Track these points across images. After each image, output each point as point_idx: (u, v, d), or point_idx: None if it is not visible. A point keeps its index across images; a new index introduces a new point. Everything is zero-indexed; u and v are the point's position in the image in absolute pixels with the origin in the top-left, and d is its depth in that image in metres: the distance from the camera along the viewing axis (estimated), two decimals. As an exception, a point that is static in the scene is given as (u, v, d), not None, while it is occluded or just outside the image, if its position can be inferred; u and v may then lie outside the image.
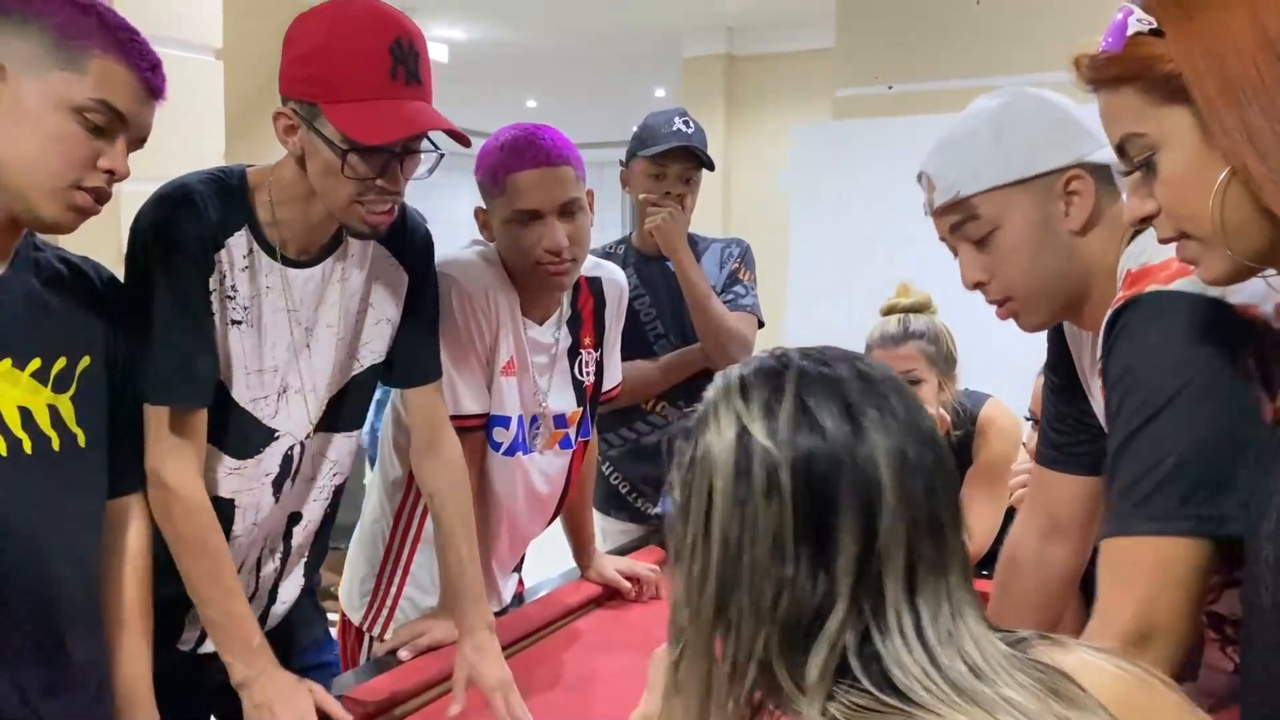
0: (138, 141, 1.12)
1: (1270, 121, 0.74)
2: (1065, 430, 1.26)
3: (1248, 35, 0.75)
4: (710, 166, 2.15)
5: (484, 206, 1.60)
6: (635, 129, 2.17)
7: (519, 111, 8.28)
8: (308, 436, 1.38)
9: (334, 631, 1.71)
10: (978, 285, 1.16)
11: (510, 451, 1.64)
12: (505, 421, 1.63)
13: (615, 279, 1.80)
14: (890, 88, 3.72)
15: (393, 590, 1.69)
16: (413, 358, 1.46)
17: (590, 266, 1.75)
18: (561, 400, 1.70)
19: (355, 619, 1.70)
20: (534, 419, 1.67)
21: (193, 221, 1.23)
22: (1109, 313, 1.00)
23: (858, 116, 3.74)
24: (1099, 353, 1.03)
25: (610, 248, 2.25)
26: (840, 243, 3.67)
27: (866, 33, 3.80)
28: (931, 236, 1.20)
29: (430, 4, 5.47)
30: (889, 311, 1.91)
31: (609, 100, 8.08)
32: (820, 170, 3.83)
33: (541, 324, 1.65)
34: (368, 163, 1.21)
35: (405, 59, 1.21)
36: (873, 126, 3.56)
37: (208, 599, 1.26)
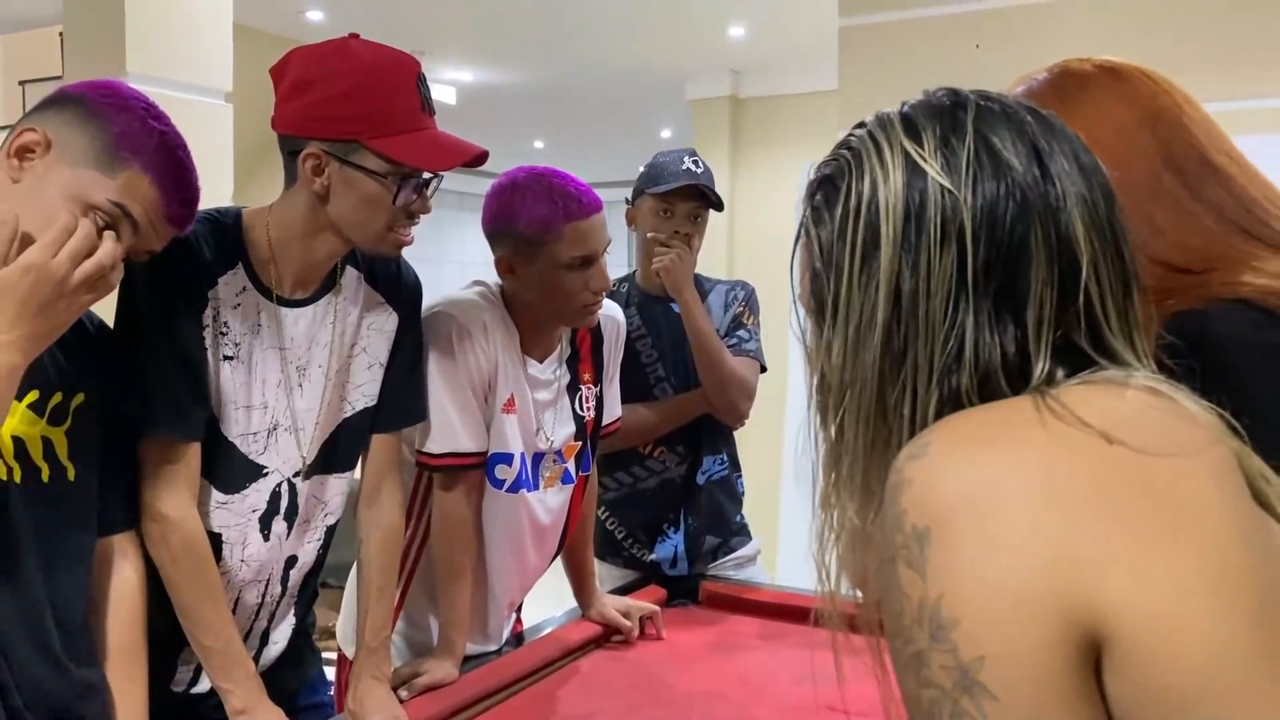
0: (145, 254, 1.16)
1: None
2: None
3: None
4: (719, 207, 2.11)
5: (506, 254, 1.59)
6: (643, 167, 2.15)
7: (526, 152, 8.36)
8: (296, 475, 1.39)
9: (329, 672, 1.70)
10: None
11: (514, 488, 1.65)
12: (508, 459, 1.63)
13: (613, 315, 1.81)
14: (892, 129, 3.76)
15: None
16: (391, 402, 1.47)
17: None
18: (562, 436, 1.71)
19: (349, 654, 1.69)
20: (538, 455, 1.67)
21: (187, 258, 1.25)
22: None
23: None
24: None
25: (614, 285, 2.24)
26: (843, 282, 3.68)
27: (868, 75, 3.85)
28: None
29: (439, 47, 5.57)
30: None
31: (615, 141, 8.16)
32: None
33: (542, 361, 1.67)
34: (414, 190, 1.29)
35: (426, 91, 1.30)
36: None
37: (207, 626, 1.27)
